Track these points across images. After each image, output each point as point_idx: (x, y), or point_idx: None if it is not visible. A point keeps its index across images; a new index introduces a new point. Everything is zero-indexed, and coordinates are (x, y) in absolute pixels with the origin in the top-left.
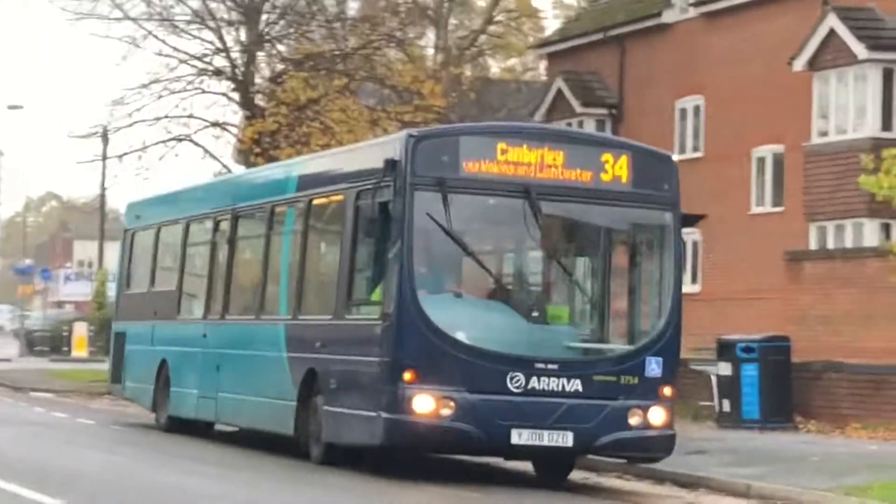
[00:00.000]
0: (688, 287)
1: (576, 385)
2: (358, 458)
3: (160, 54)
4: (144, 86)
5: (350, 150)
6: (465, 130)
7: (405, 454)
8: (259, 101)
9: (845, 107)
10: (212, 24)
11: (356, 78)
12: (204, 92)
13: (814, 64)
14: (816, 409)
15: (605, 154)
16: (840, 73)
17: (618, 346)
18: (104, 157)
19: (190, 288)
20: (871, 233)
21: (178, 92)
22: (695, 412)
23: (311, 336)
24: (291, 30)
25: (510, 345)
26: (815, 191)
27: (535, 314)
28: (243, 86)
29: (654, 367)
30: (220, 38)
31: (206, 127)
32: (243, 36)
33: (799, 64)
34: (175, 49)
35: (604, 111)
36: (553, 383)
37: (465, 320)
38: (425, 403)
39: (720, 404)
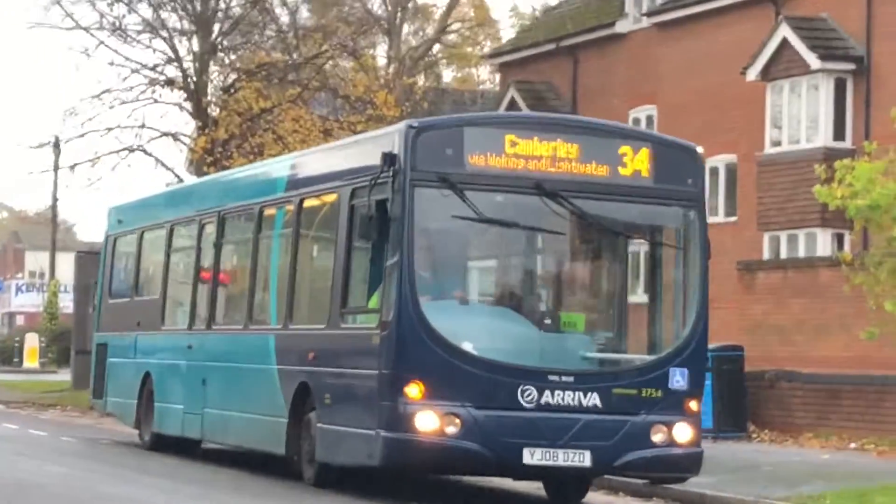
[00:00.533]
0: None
1: (593, 399)
2: (354, 479)
3: (112, 64)
4: (96, 96)
5: (344, 145)
6: (471, 121)
7: (406, 476)
8: (211, 111)
9: (798, 117)
10: (164, 33)
11: (309, 88)
12: (156, 102)
13: (767, 74)
14: (770, 419)
15: (624, 146)
16: (793, 83)
17: (639, 356)
18: (56, 168)
19: (174, 296)
20: (823, 242)
21: (131, 102)
22: None
23: (303, 347)
24: (244, 40)
25: (521, 355)
26: (769, 201)
27: (547, 322)
28: (195, 96)
29: (678, 378)
30: (173, 48)
31: (158, 137)
32: (196, 46)
33: (752, 74)
34: (127, 59)
35: None
36: (568, 397)
37: (471, 329)
38: (428, 420)
39: None
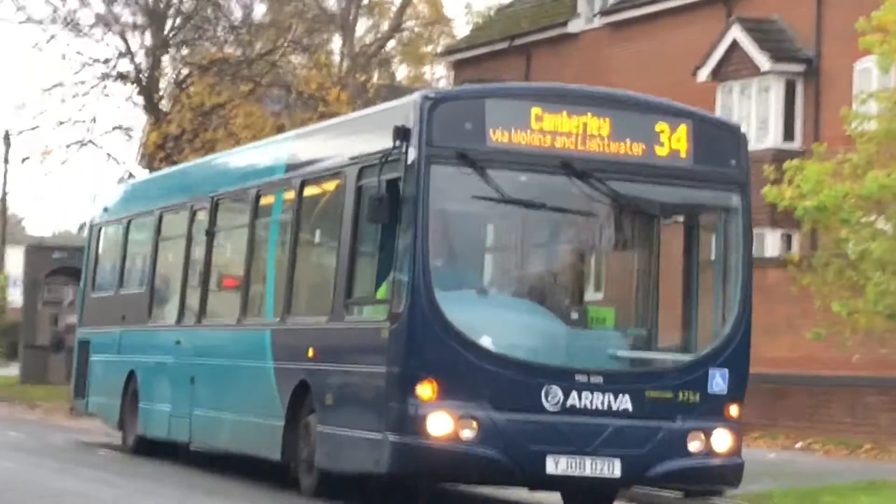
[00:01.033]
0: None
1: (624, 402)
2: (358, 488)
3: (64, 58)
4: (47, 90)
5: (350, 120)
6: (493, 92)
7: (416, 484)
8: (163, 105)
9: (748, 118)
10: (116, 27)
11: (261, 84)
12: (108, 96)
13: (718, 75)
14: None
15: (661, 123)
16: (743, 84)
17: (675, 355)
18: (6, 161)
19: (163, 288)
20: (772, 243)
21: (82, 95)
22: None
23: (302, 342)
24: (196, 35)
25: (546, 353)
26: None
27: (574, 316)
28: (148, 90)
29: (718, 381)
30: (125, 43)
31: (109, 131)
32: (148, 40)
33: (703, 74)
34: (79, 53)
35: None
36: (597, 400)
37: (491, 323)
38: (442, 423)
39: None
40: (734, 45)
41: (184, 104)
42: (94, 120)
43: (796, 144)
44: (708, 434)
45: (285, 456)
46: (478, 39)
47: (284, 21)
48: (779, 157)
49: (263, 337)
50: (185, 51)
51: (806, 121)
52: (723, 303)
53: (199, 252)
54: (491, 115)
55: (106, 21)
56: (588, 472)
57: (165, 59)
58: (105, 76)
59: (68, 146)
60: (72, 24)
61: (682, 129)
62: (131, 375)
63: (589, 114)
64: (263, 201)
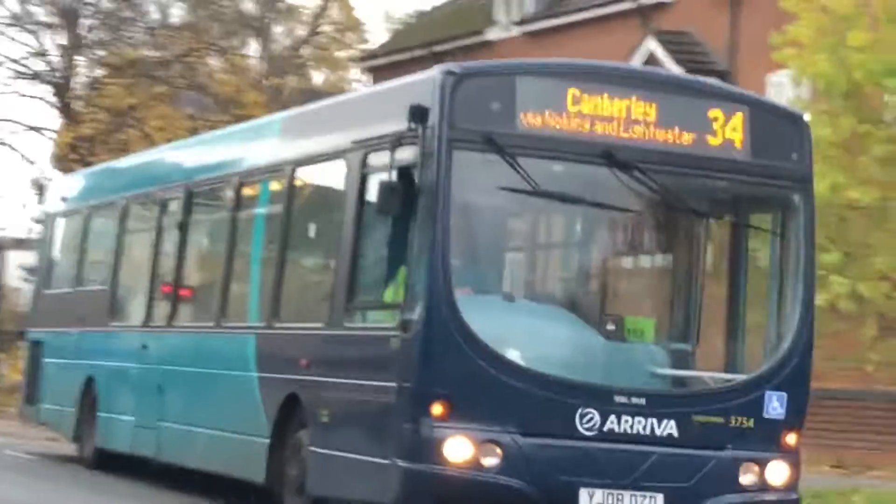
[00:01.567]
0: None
1: (669, 428)
2: None
3: None
4: None
5: (355, 99)
6: (525, 68)
7: None
8: (78, 106)
9: None
10: (31, 26)
11: (176, 86)
12: (21, 96)
13: None
14: None
15: (715, 109)
16: None
17: (725, 374)
18: None
19: (127, 286)
20: None
21: None
22: None
23: (293, 351)
24: (112, 35)
25: (581, 369)
26: None
27: (610, 327)
28: (62, 90)
29: (775, 405)
30: (39, 42)
31: (24, 131)
32: (62, 40)
33: None
34: None
35: None
36: (639, 425)
37: (518, 333)
38: (460, 449)
39: None
40: (650, 57)
41: (97, 105)
42: (5, 119)
43: None
44: (763, 465)
45: (270, 478)
46: (395, 46)
47: (201, 23)
48: None
49: (247, 343)
50: (99, 51)
51: None
52: (779, 315)
53: (170, 246)
54: (522, 95)
55: (20, 19)
56: None
57: (80, 60)
58: (18, 75)
59: None
60: None
61: (739, 117)
62: (89, 382)
63: (634, 97)
64: (248, 190)
